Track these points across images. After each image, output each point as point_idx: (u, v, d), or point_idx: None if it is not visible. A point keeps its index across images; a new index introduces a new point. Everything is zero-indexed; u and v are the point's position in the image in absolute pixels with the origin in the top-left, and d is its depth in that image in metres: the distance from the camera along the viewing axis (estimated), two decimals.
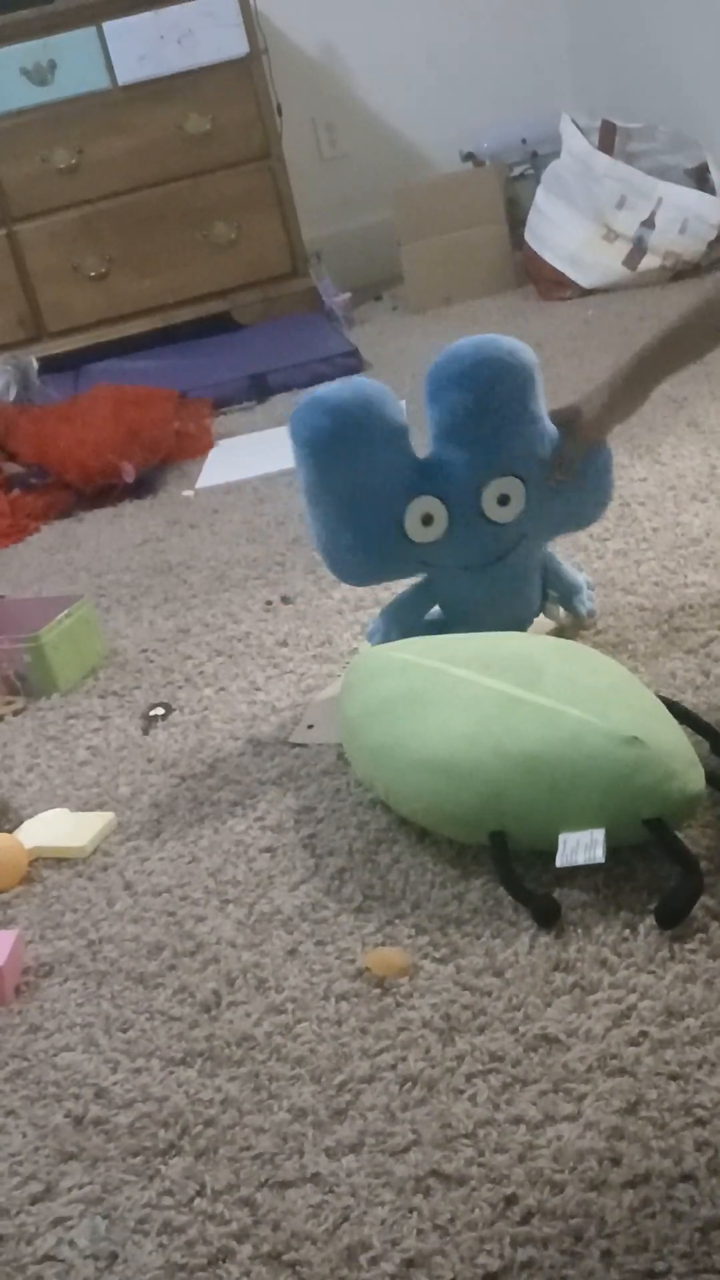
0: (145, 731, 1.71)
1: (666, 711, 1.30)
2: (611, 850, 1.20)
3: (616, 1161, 0.95)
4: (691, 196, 3.35)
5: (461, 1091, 1.04)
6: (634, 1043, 1.04)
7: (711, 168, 3.42)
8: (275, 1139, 1.03)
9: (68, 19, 3.37)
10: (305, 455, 1.53)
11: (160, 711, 1.75)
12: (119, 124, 3.48)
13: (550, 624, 1.69)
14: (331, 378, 3.13)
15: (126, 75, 3.43)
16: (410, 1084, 1.05)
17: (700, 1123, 0.96)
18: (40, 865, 1.47)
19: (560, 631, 1.68)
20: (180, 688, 1.81)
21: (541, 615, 1.68)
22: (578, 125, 3.52)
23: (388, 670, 1.42)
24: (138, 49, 3.40)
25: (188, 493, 2.62)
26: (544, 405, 1.57)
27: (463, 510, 1.55)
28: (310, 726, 1.62)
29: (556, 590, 1.68)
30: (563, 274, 3.46)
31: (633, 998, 1.09)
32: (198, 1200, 0.99)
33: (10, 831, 1.51)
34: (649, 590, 1.76)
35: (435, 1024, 1.11)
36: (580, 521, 1.67)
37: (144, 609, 2.09)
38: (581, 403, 1.59)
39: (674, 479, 2.10)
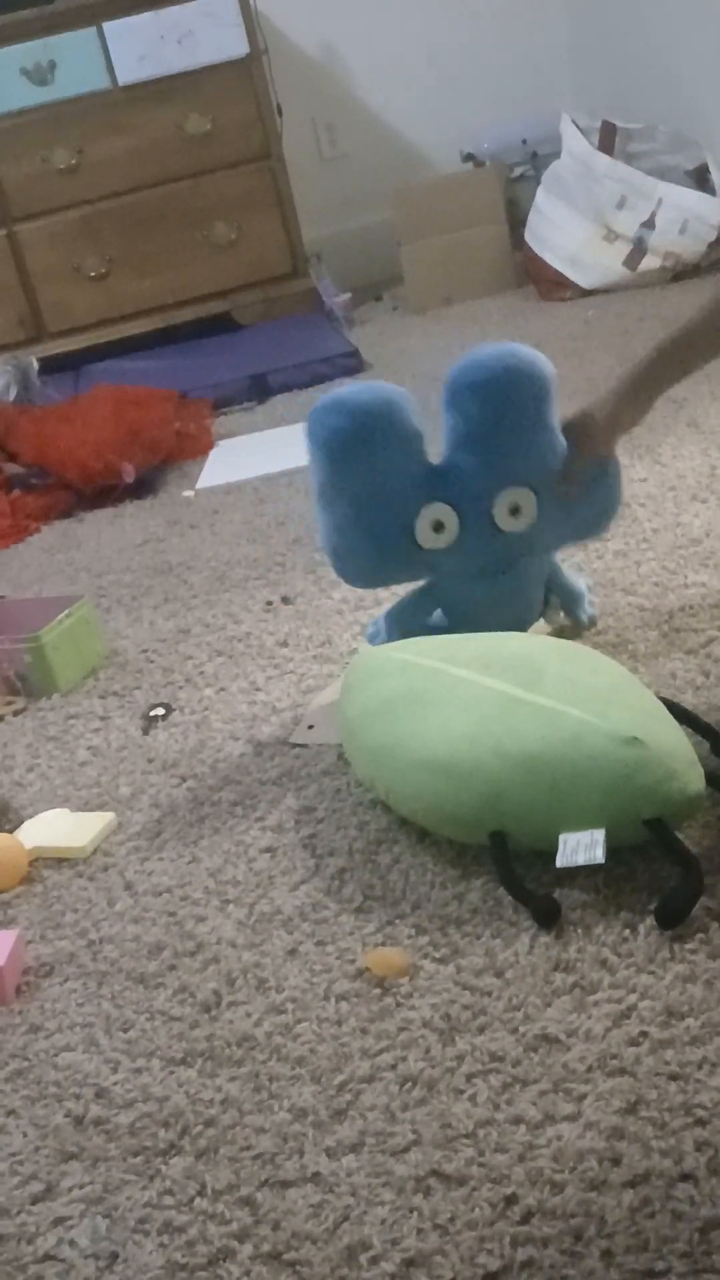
0: (145, 732, 1.71)
1: (666, 712, 1.30)
2: (611, 850, 1.20)
3: (616, 1161, 0.95)
4: (692, 197, 3.36)
5: (461, 1091, 1.04)
6: (634, 1043, 1.04)
7: (711, 168, 3.42)
8: (275, 1139, 1.04)
9: (68, 19, 3.37)
10: (321, 455, 1.52)
11: (160, 712, 1.75)
12: (119, 124, 3.48)
13: (548, 628, 1.69)
14: (332, 378, 3.15)
15: (127, 75, 3.43)
16: (410, 1084, 1.05)
17: (700, 1123, 0.96)
18: (40, 865, 1.47)
19: (560, 633, 1.68)
20: (180, 688, 1.81)
21: (541, 620, 1.68)
22: (578, 125, 3.52)
23: (388, 670, 1.42)
24: (138, 49, 3.41)
25: (188, 493, 2.62)
26: (558, 416, 1.57)
27: (474, 518, 1.55)
28: (310, 727, 1.62)
29: (559, 598, 1.68)
30: (563, 274, 3.46)
31: (633, 998, 1.09)
32: (198, 1200, 1.00)
33: (10, 831, 1.51)
34: (649, 591, 1.76)
35: (435, 1024, 1.11)
36: (587, 533, 1.67)
37: (144, 609, 2.09)
38: (588, 413, 1.58)
39: (674, 479, 2.10)
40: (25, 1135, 1.10)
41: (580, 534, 1.67)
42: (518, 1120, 1.00)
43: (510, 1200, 0.93)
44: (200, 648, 1.91)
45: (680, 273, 3.38)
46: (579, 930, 1.17)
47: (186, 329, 3.64)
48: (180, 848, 1.45)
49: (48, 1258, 0.98)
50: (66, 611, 1.88)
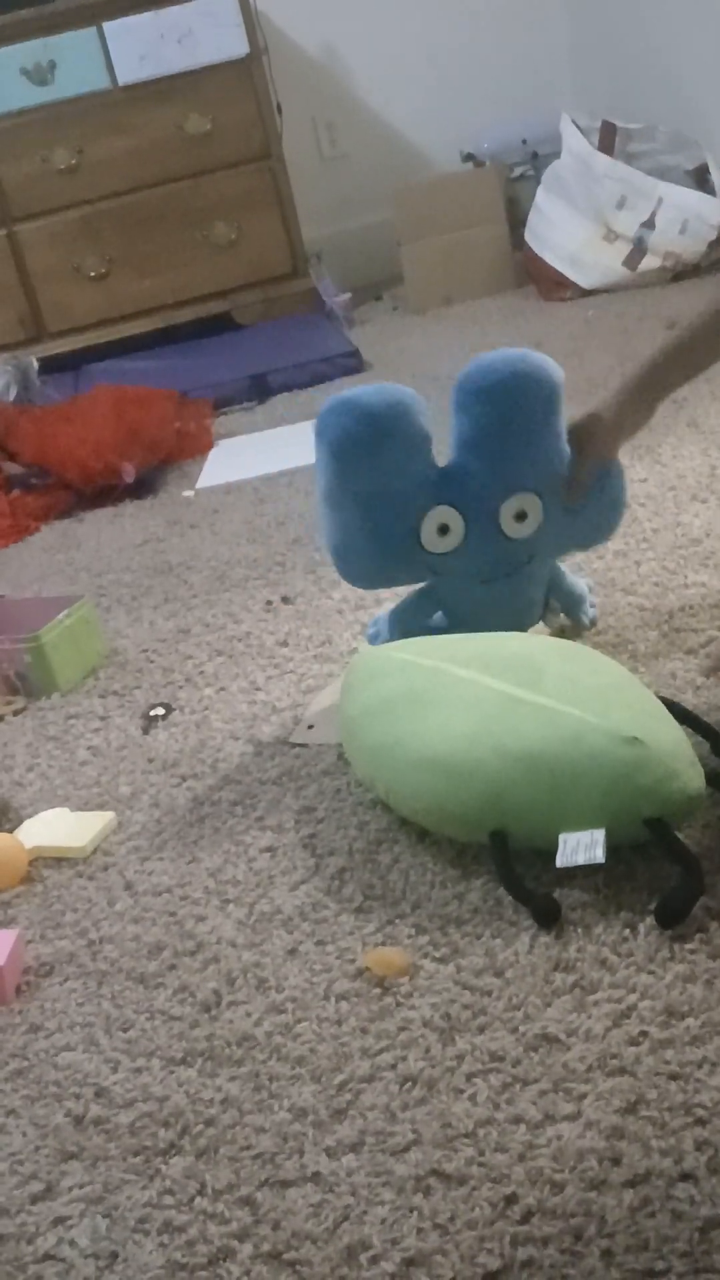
0: (145, 731, 1.71)
1: (667, 711, 1.30)
2: (612, 850, 1.20)
3: (616, 1161, 0.95)
4: (692, 197, 3.35)
5: (462, 1091, 1.04)
6: (634, 1042, 1.04)
7: (711, 168, 3.42)
8: (275, 1138, 1.03)
9: (68, 19, 3.37)
10: (329, 456, 1.51)
11: (160, 711, 1.75)
12: (119, 124, 3.48)
13: (547, 631, 1.69)
14: (332, 378, 3.15)
15: (127, 75, 3.43)
16: (410, 1083, 1.05)
17: (700, 1122, 0.96)
18: (40, 865, 1.47)
19: (560, 633, 1.68)
20: (180, 688, 1.81)
21: (540, 624, 1.68)
22: (578, 125, 3.52)
23: (388, 670, 1.42)
24: (138, 49, 3.41)
25: (188, 493, 2.62)
26: (565, 422, 1.56)
27: (480, 523, 1.55)
28: (310, 726, 1.62)
29: (560, 601, 1.68)
30: (563, 274, 3.46)
31: (633, 997, 1.09)
32: (198, 1199, 1.00)
33: (10, 831, 1.51)
34: (649, 590, 1.76)
35: (435, 1024, 1.11)
36: (591, 539, 1.67)
37: (144, 609, 2.09)
38: (594, 416, 1.58)
39: (674, 479, 2.10)
40: (25, 1135, 1.10)
41: (584, 541, 1.67)
42: (518, 1120, 1.00)
43: (510, 1200, 0.93)
44: (200, 647, 1.91)
45: (680, 273, 3.38)
46: (579, 930, 1.17)
47: (186, 329, 3.64)
48: (180, 847, 1.45)
49: (48, 1257, 0.98)
50: (66, 611, 1.88)
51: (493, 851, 1.26)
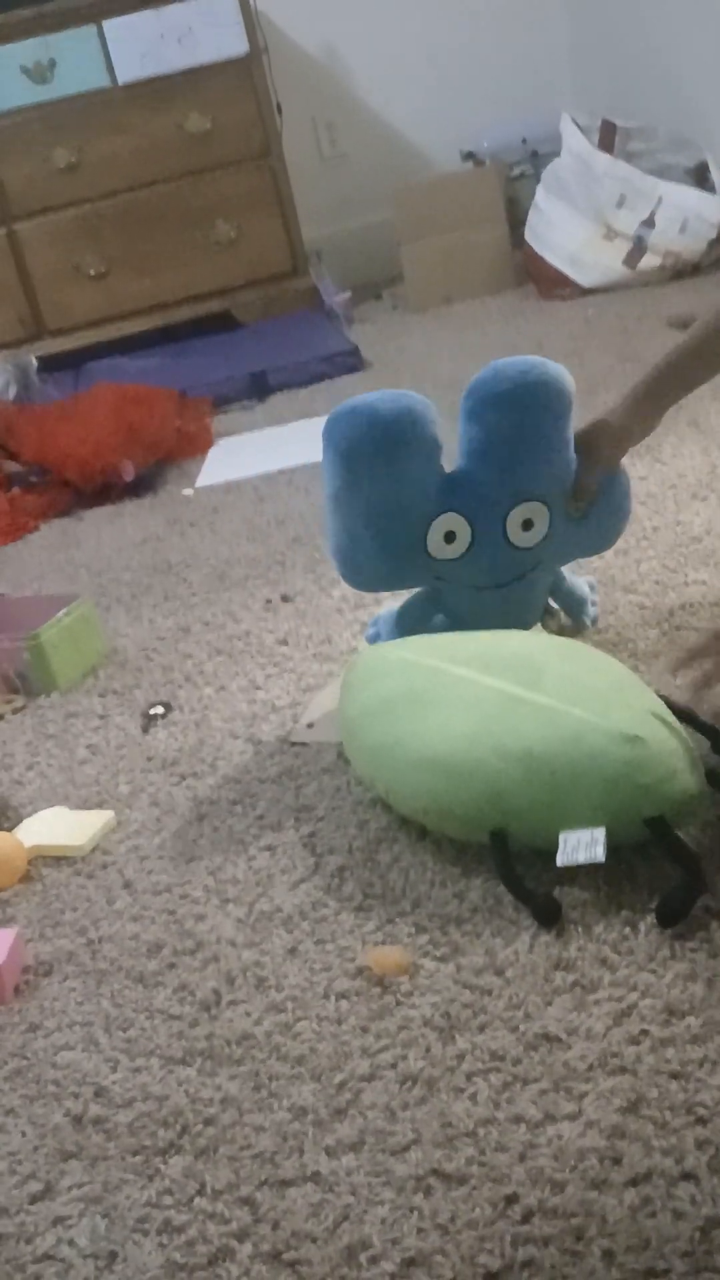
0: (145, 730, 1.71)
1: (667, 710, 1.30)
2: (612, 849, 1.20)
3: (617, 1160, 0.94)
4: (691, 196, 3.35)
5: (462, 1090, 1.03)
6: (635, 1041, 1.04)
7: (711, 167, 3.42)
8: (275, 1138, 1.03)
9: (68, 17, 3.37)
10: (338, 462, 1.50)
11: (160, 710, 1.75)
12: (119, 123, 3.48)
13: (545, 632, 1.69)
14: (332, 376, 3.15)
15: (127, 74, 3.43)
16: (410, 1083, 1.05)
17: (701, 1121, 0.96)
18: (40, 863, 1.47)
19: (560, 632, 1.68)
20: (180, 686, 1.81)
21: (539, 627, 1.67)
22: (578, 125, 3.52)
23: (388, 670, 1.42)
24: (138, 48, 3.40)
25: (188, 491, 2.61)
26: (573, 431, 1.56)
27: (486, 530, 1.54)
28: (310, 725, 1.62)
29: (561, 603, 1.68)
30: (563, 273, 3.46)
31: (633, 996, 1.08)
32: (198, 1199, 0.99)
33: (9, 830, 1.51)
34: (649, 589, 1.76)
35: (435, 1022, 1.11)
36: (596, 547, 1.66)
37: (144, 608, 2.09)
38: (602, 424, 1.57)
39: (674, 478, 2.09)
40: (24, 1134, 1.10)
41: (588, 548, 1.66)
42: (518, 1119, 1.00)
43: (511, 1199, 0.93)
44: (200, 646, 1.91)
45: (680, 271, 3.38)
46: (579, 929, 1.17)
47: (186, 328, 3.64)
48: (179, 846, 1.44)
49: (47, 1257, 0.98)
50: (66, 610, 1.88)
51: (493, 851, 1.26)
